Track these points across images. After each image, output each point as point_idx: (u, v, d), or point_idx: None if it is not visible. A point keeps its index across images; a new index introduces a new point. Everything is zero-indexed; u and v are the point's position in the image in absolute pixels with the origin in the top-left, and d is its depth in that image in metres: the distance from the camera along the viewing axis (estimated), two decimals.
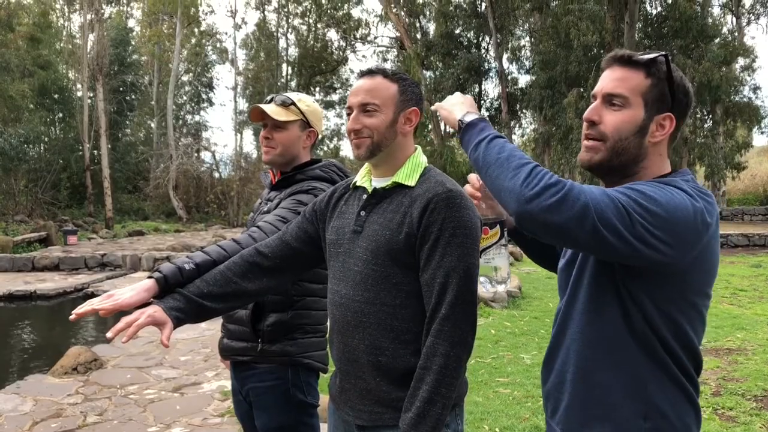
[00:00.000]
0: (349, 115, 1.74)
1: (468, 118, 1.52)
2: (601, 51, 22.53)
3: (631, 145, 1.42)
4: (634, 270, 1.33)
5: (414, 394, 1.56)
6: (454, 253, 1.58)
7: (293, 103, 2.22)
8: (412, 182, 1.70)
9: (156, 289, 1.69)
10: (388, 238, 1.65)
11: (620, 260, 1.31)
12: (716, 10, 27.75)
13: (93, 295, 10.42)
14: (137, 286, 1.69)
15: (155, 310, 1.65)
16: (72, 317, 1.62)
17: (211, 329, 6.87)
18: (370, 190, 1.75)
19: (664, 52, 1.44)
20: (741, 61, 25.73)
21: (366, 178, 1.79)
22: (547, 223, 1.23)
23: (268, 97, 2.26)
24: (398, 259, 1.64)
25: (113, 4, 33.45)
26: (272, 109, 2.19)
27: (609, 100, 1.45)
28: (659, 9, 25.22)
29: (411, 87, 1.75)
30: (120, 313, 1.65)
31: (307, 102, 2.27)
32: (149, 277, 1.72)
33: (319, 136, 2.33)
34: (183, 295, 1.71)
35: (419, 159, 1.75)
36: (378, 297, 1.65)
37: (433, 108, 1.71)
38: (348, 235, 1.73)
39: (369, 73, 1.74)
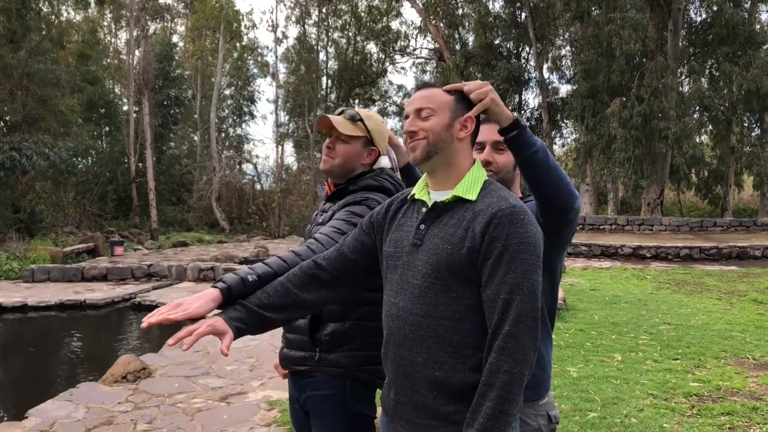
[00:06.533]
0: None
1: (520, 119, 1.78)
2: (644, 59, 22.17)
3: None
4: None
5: (477, 410, 1.55)
6: (518, 270, 1.57)
7: (361, 120, 2.24)
8: (472, 196, 1.69)
9: (221, 299, 1.73)
10: (449, 252, 1.64)
11: (562, 240, 1.97)
12: (764, 16, 27.15)
13: (140, 305, 10.60)
14: (203, 295, 1.73)
15: (216, 320, 1.69)
16: (144, 325, 1.66)
17: (256, 339, 6.93)
18: (429, 204, 1.75)
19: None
20: None
21: (424, 191, 1.79)
22: (575, 210, 1.89)
23: (338, 110, 2.29)
24: (459, 274, 1.63)
25: (158, 21, 34.31)
26: (340, 121, 2.22)
27: (496, 146, 2.06)
28: (704, 16, 24.73)
29: (466, 99, 1.77)
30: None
31: (375, 120, 2.28)
32: (213, 287, 1.75)
33: (381, 156, 2.32)
34: (244, 306, 1.75)
35: (479, 172, 1.75)
36: (437, 310, 1.64)
37: (487, 89, 1.75)
38: (407, 247, 1.73)
39: (425, 85, 1.79)
